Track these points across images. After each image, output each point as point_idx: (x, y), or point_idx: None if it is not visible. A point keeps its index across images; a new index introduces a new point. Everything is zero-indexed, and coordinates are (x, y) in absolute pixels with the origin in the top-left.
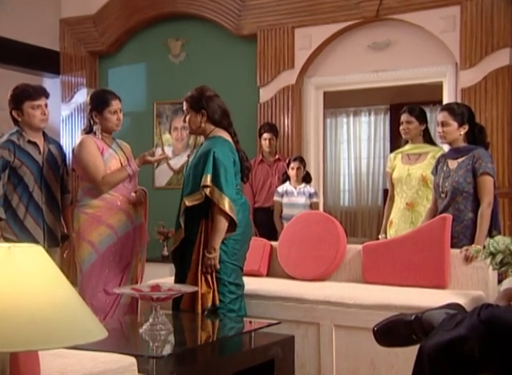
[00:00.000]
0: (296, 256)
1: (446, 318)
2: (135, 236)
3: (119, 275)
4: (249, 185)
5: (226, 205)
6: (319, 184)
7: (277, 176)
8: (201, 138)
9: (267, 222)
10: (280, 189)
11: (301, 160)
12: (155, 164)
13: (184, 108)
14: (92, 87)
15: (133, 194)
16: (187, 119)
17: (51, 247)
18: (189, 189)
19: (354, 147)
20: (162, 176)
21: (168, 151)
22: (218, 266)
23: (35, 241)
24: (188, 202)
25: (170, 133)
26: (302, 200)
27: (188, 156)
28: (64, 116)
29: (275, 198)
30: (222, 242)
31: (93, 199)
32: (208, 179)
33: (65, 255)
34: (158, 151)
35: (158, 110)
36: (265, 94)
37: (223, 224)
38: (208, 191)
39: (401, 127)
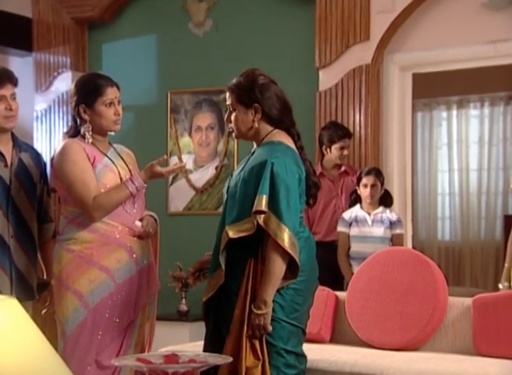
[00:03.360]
0: (373, 314)
1: None
2: (141, 283)
3: (118, 339)
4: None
5: (286, 239)
6: (405, 208)
7: (343, 196)
8: (232, 143)
9: (329, 263)
10: (347, 215)
11: (378, 173)
12: (169, 179)
13: (228, 102)
14: (79, 70)
15: (137, 222)
16: (233, 117)
17: (23, 300)
18: (234, 215)
19: (459, 153)
20: (180, 196)
21: (189, 160)
22: (270, 328)
23: None
24: (233, 233)
25: (191, 135)
26: (379, 231)
27: (217, 167)
28: (39, 111)
29: (340, 228)
30: (278, 292)
31: (80, 231)
32: (262, 202)
33: (43, 313)
34: (174, 160)
35: (173, 103)
36: (327, 78)
37: (280, 267)
38: (261, 218)
39: None
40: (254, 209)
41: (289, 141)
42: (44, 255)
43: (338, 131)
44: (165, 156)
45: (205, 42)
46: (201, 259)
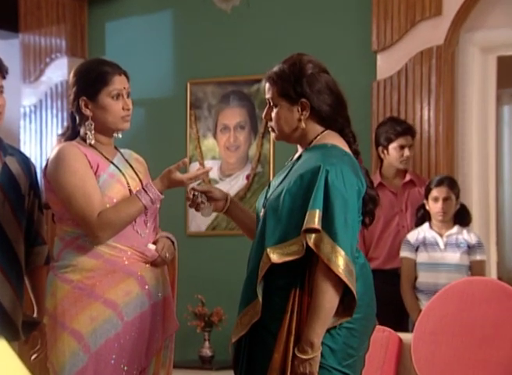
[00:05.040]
0: (447, 362)
1: None
2: (154, 321)
3: None
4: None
5: (342, 265)
6: (488, 228)
7: (409, 212)
8: (267, 146)
9: (390, 296)
10: (413, 237)
11: (452, 184)
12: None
13: (268, 95)
14: (77, 56)
15: (150, 245)
16: (274, 114)
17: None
18: (278, 234)
19: None
20: None
21: (214, 167)
22: None
23: None
24: (277, 257)
25: (216, 136)
26: (454, 257)
27: (249, 176)
28: (27, 106)
29: (404, 253)
30: (329, 333)
31: (80, 256)
32: (315, 218)
33: (32, 358)
34: (195, 167)
35: (193, 96)
36: (387, 64)
37: (331, 300)
38: (312, 239)
39: None
40: (304, 227)
41: (343, 145)
42: (34, 287)
43: (396, 127)
44: (186, 159)
45: (234, 20)
46: (215, 188)
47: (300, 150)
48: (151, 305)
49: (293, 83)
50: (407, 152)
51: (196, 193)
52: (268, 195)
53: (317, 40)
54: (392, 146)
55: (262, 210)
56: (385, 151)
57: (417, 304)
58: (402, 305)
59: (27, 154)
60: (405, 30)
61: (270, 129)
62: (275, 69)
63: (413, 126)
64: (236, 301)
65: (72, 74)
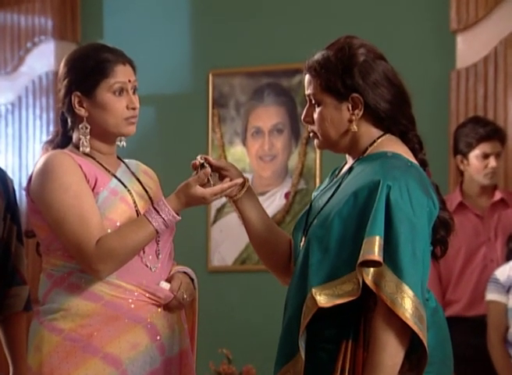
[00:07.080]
0: None
1: None
2: None
3: None
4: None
5: (410, 308)
6: None
7: (499, 241)
8: (312, 155)
9: (475, 351)
10: (504, 274)
11: None
12: (212, 213)
13: (309, 91)
14: (67, 40)
15: (164, 284)
16: (317, 115)
17: None
18: (325, 270)
19: None
20: (229, 242)
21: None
22: None
23: None
24: (326, 300)
25: (245, 142)
26: None
27: (288, 195)
28: (2, 105)
29: (492, 295)
30: None
31: (73, 297)
32: (375, 247)
33: None
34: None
35: (217, 90)
36: (470, 48)
37: (395, 355)
38: (369, 274)
39: None
40: (361, 259)
41: (407, 153)
42: (10, 338)
43: (478, 129)
44: (209, 169)
45: None
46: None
47: (350, 160)
48: (163, 362)
49: (342, 73)
50: (492, 162)
51: (207, 166)
52: (310, 220)
53: (375, 17)
54: (474, 154)
55: (303, 239)
56: (465, 161)
57: (510, 362)
58: (490, 364)
59: (3, 166)
60: (494, 4)
61: (311, 134)
62: (318, 56)
63: (502, 129)
64: (271, 358)
65: (62, 63)
